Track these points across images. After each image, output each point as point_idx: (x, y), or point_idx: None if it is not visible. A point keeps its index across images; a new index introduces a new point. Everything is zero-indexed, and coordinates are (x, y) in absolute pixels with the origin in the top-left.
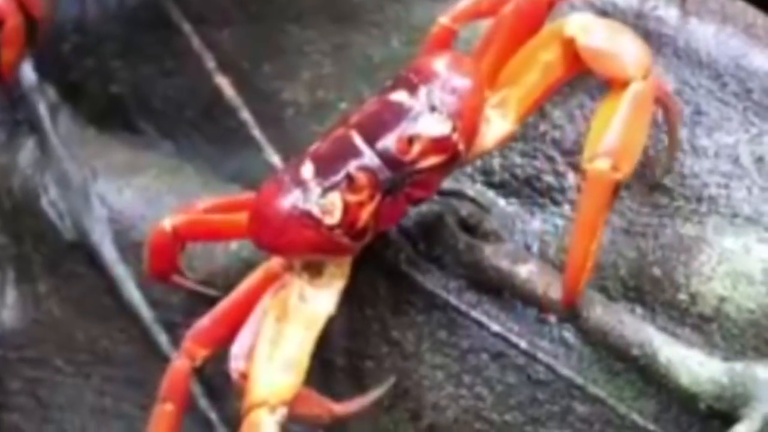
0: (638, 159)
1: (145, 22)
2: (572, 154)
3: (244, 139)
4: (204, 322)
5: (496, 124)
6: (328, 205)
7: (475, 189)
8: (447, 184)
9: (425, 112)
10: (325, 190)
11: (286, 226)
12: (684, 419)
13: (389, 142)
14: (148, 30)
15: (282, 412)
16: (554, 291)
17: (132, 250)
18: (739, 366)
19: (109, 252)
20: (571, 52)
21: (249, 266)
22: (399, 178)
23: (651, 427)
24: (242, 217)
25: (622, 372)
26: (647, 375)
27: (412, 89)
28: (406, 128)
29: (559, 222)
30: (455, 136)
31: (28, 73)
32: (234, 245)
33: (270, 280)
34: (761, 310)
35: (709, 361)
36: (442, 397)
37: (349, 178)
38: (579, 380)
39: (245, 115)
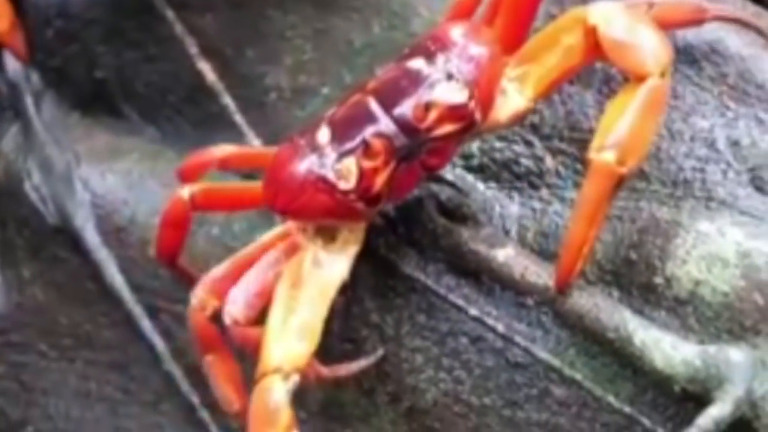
0: (645, 156)
1: (128, 7)
2: (550, 138)
3: (227, 124)
4: (217, 272)
5: (513, 99)
6: (343, 171)
7: (454, 173)
8: None
9: (442, 80)
10: (341, 156)
11: (301, 191)
12: (659, 402)
13: (406, 108)
14: (132, 16)
15: (295, 379)
16: (531, 275)
17: (114, 235)
18: (712, 349)
19: (91, 236)
20: (593, 40)
21: (230, 252)
22: (415, 145)
23: (627, 409)
24: (258, 185)
25: (598, 355)
26: (622, 358)
27: (430, 57)
28: (422, 95)
29: (537, 206)
30: (472, 104)
31: (11, 58)
32: (215, 230)
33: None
34: (735, 293)
35: (682, 343)
36: (422, 380)
37: (365, 143)
38: (556, 363)
39: (227, 100)
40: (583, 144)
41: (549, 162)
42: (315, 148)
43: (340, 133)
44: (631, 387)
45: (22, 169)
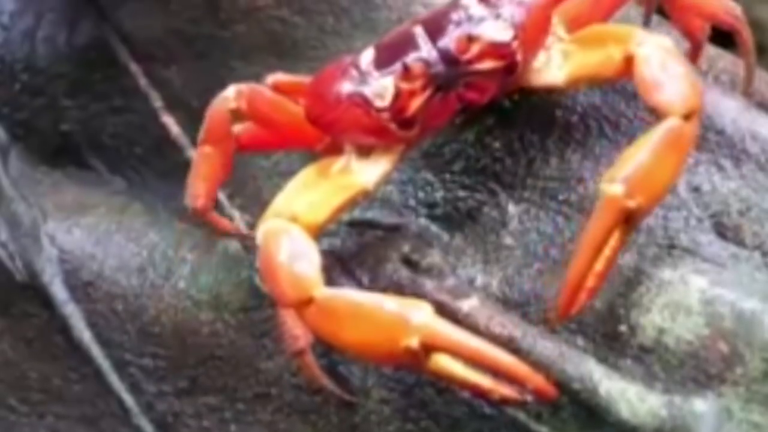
0: (660, 196)
1: (93, 61)
2: (513, 186)
3: None
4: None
5: (553, 66)
6: (380, 89)
7: (418, 223)
8: (390, 218)
9: (490, 18)
10: (380, 75)
11: (337, 103)
12: None
13: (449, 39)
14: (97, 69)
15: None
16: (496, 325)
17: (82, 289)
18: (677, 399)
19: (59, 291)
20: (627, 66)
21: (197, 305)
22: (453, 76)
23: None
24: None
25: (565, 405)
26: (589, 408)
27: None
28: (468, 28)
29: (502, 254)
30: (514, 45)
31: None
32: (182, 284)
33: None
34: (700, 342)
35: (648, 394)
36: (390, 431)
37: (405, 66)
38: (522, 414)
39: (191, 152)
40: (545, 191)
41: (512, 210)
42: (357, 66)
43: (384, 56)
44: None
45: None
